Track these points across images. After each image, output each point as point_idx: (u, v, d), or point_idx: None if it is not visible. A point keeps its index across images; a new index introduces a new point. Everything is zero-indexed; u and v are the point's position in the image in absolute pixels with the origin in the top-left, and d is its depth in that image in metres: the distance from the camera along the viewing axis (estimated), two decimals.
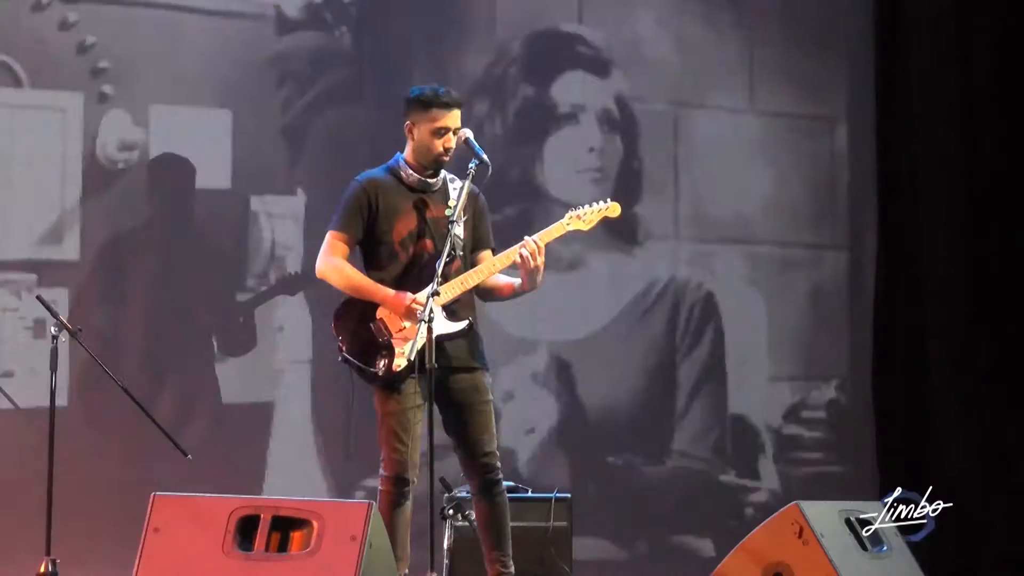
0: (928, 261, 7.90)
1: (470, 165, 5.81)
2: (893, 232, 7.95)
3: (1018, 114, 7.81)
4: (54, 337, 5.97)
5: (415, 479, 5.80)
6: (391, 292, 5.78)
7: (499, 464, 5.88)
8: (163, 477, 7.13)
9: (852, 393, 8.20)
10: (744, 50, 8.37)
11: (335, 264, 5.85)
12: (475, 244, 5.95)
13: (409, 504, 5.75)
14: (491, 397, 5.91)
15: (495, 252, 5.97)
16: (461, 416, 5.85)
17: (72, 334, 6.05)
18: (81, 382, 7.32)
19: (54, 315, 6.03)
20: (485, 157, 5.81)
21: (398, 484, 5.71)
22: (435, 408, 5.78)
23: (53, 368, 5.94)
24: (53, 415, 5.92)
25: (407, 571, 5.86)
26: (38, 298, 6.11)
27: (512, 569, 5.91)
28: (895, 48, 8.00)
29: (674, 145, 8.41)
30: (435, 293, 5.58)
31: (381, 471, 5.78)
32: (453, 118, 5.85)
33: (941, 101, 7.91)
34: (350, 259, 5.86)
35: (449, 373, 5.82)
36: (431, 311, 5.52)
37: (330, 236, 5.89)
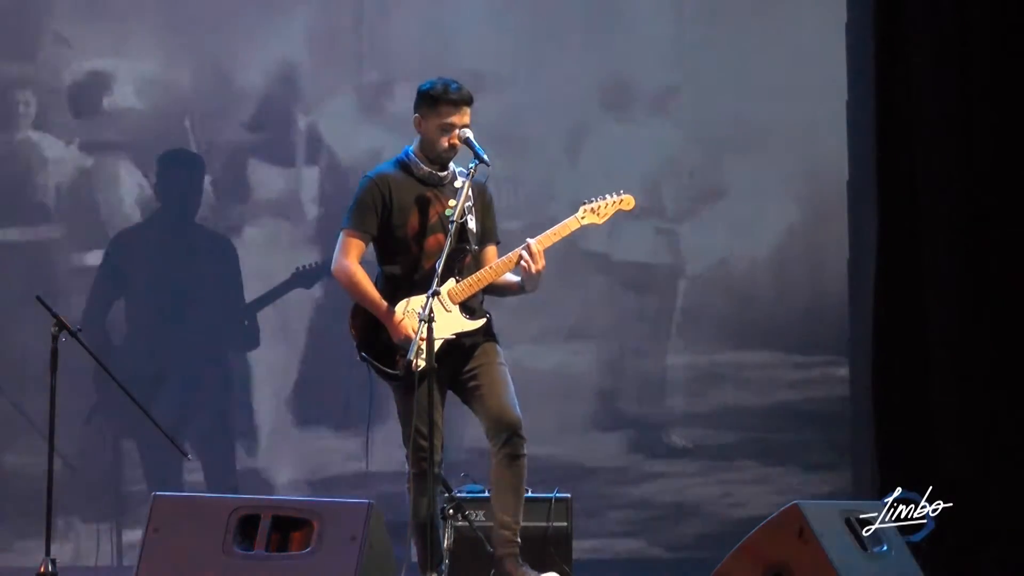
0: (928, 261, 7.88)
1: (470, 165, 5.81)
2: (893, 231, 7.93)
3: (1018, 114, 7.80)
4: (54, 337, 5.97)
5: (440, 470, 5.80)
6: (393, 314, 5.75)
7: (522, 426, 5.81)
8: (163, 477, 7.15)
9: (852, 392, 8.19)
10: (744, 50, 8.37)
11: (349, 269, 5.81)
12: (481, 238, 5.93)
13: (437, 498, 5.71)
14: (504, 361, 5.88)
15: (500, 246, 5.97)
16: (481, 379, 5.82)
17: (72, 334, 6.04)
18: (81, 382, 7.33)
19: (54, 315, 6.03)
20: (485, 156, 5.80)
21: (426, 479, 5.66)
22: (444, 407, 5.81)
23: (53, 368, 5.94)
24: (53, 415, 5.92)
25: (443, 566, 5.82)
26: (38, 298, 6.11)
27: (519, 540, 5.84)
28: (895, 48, 7.99)
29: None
30: (435, 293, 5.56)
31: (408, 468, 5.77)
32: (461, 115, 5.82)
33: (941, 101, 7.90)
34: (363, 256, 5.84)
35: (462, 350, 5.83)
36: (431, 311, 5.51)
37: (344, 235, 5.86)
